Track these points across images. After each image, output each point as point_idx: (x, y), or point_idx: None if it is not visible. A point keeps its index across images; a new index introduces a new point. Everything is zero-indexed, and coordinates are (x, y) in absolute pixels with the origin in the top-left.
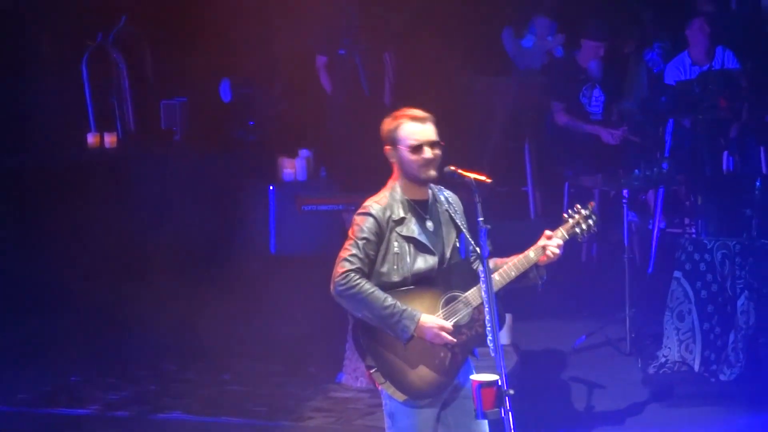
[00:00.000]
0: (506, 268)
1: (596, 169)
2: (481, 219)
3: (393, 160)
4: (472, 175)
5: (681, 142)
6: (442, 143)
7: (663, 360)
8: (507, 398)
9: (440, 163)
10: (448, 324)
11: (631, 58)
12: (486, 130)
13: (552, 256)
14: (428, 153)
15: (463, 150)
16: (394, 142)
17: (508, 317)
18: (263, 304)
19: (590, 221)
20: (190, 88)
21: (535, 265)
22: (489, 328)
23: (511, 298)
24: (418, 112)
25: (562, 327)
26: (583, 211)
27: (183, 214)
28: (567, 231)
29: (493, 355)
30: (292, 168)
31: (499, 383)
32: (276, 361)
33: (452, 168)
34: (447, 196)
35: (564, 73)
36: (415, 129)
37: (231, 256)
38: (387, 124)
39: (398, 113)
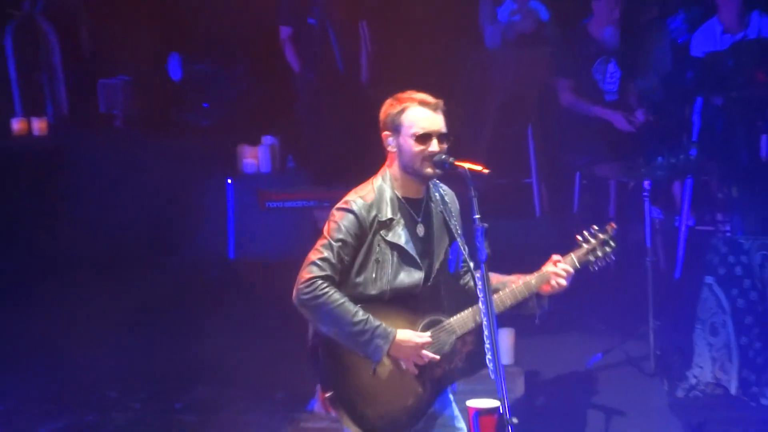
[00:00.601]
0: (502, 295)
1: (612, 157)
2: (477, 217)
3: (391, 149)
4: (467, 165)
5: (712, 125)
6: (451, 137)
7: (694, 381)
8: (510, 428)
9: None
10: (429, 339)
11: (652, 26)
12: (482, 110)
13: (557, 287)
14: (435, 146)
15: (455, 134)
16: (395, 128)
17: (510, 333)
18: (221, 318)
19: (607, 248)
20: (134, 64)
21: (537, 294)
22: (488, 345)
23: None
24: (428, 98)
25: (573, 343)
26: (600, 235)
27: (125, 213)
28: (579, 258)
29: (492, 377)
30: (254, 158)
31: (501, 410)
32: (236, 386)
33: (443, 156)
34: (443, 194)
35: (572, 44)
36: (423, 116)
37: (182, 262)
38: (389, 107)
39: (404, 96)
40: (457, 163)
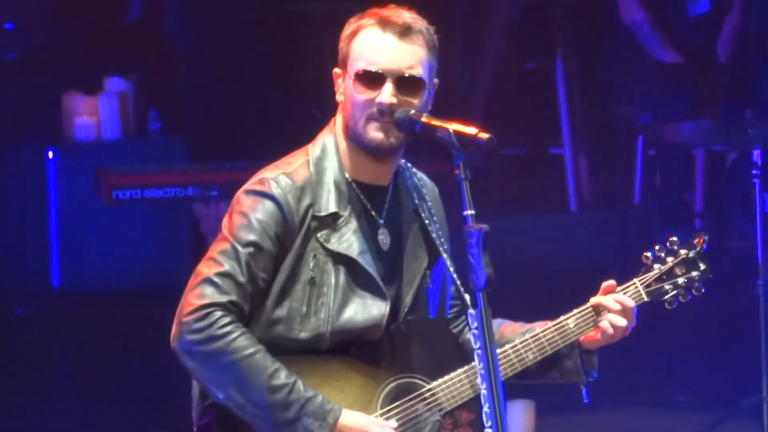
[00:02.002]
0: (520, 347)
1: (697, 112)
2: (469, 213)
3: (339, 96)
4: (452, 126)
5: None
6: (432, 85)
7: None
8: None
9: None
10: (393, 424)
11: None
12: (479, 38)
13: (611, 332)
14: (386, 95)
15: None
16: (344, 61)
17: (529, 408)
18: (37, 384)
19: (694, 273)
20: None
21: (579, 348)
22: (489, 429)
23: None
24: (399, 16)
25: (633, 423)
26: (683, 252)
27: None
28: (647, 286)
29: None
30: (91, 115)
31: None
32: None
33: (411, 113)
34: (419, 184)
35: None
36: (377, 44)
37: None
38: (345, 28)
39: (370, 11)
40: (433, 122)
